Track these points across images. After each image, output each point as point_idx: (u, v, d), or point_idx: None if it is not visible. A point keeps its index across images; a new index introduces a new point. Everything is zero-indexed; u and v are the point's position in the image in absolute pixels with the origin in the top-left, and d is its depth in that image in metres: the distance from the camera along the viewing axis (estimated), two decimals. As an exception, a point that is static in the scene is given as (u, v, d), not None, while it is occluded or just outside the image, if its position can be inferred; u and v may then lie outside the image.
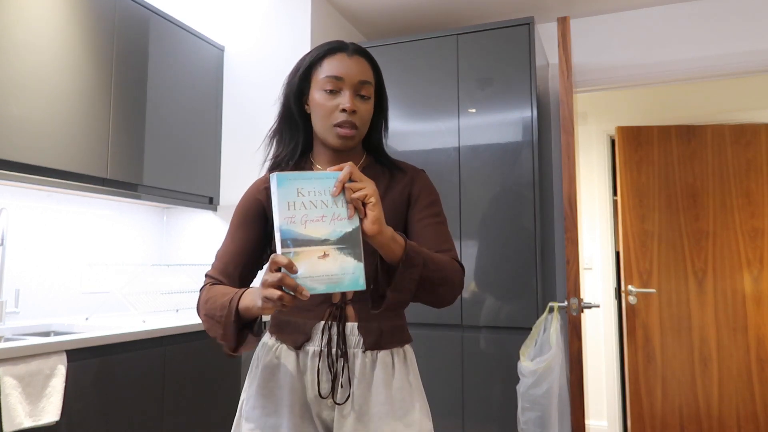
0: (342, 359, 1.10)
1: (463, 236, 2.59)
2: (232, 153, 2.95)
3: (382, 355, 1.13)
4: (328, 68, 1.15)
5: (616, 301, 3.96)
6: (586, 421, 2.55)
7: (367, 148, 1.28)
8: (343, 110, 1.13)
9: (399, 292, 0.99)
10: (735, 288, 3.47)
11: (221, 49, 3.01)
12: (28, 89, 2.02)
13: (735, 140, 3.58)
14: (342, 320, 1.12)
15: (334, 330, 1.12)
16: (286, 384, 1.12)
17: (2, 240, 2.07)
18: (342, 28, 3.21)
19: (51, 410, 1.66)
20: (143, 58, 2.52)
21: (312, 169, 1.22)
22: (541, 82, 2.90)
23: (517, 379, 2.33)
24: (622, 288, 3.61)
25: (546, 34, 3.16)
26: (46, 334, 2.21)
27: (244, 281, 1.21)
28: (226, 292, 1.08)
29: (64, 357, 1.73)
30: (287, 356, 1.14)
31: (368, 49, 1.23)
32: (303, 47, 2.87)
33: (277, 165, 1.22)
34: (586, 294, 3.95)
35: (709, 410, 3.43)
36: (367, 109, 1.17)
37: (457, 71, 2.70)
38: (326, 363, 1.10)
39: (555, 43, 3.07)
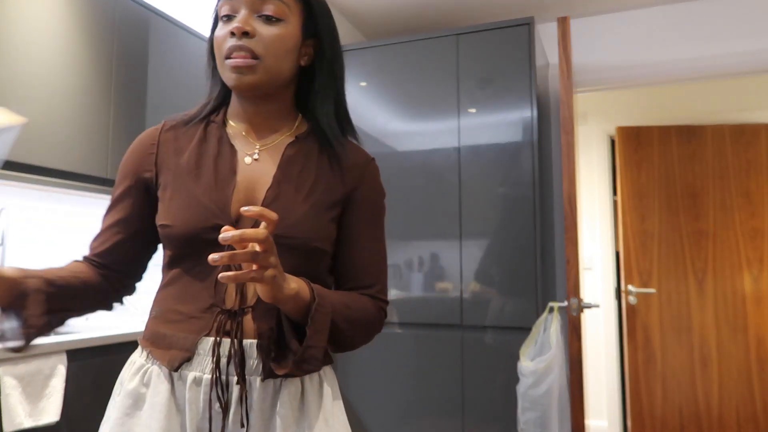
0: (239, 388, 0.81)
1: (463, 236, 2.59)
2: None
3: (288, 383, 0.83)
4: None
5: (616, 301, 3.96)
6: (586, 421, 2.55)
7: (307, 114, 0.95)
8: (232, 33, 0.85)
9: (304, 362, 0.78)
10: (735, 288, 3.47)
11: (221, 49, 3.01)
12: (28, 89, 2.02)
13: (735, 140, 3.58)
14: (238, 335, 0.82)
15: (226, 349, 0.81)
16: (154, 425, 0.80)
17: (2, 240, 2.07)
18: (342, 28, 3.20)
19: (51, 410, 1.66)
20: (143, 58, 2.52)
21: (226, 127, 0.94)
22: (541, 82, 2.90)
23: (517, 379, 2.33)
24: (622, 288, 3.61)
25: (546, 34, 3.16)
26: (46, 334, 2.21)
27: (127, 267, 0.94)
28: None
29: (64, 357, 1.73)
30: (158, 385, 0.82)
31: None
32: (303, 47, 2.87)
33: (184, 122, 0.96)
34: (586, 294, 3.95)
35: (709, 410, 3.43)
36: (275, 33, 0.85)
37: (457, 71, 2.70)
38: (215, 394, 0.80)
39: (555, 43, 3.07)
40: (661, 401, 3.49)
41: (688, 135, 3.64)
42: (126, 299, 0.98)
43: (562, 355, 2.29)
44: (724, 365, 3.44)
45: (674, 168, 3.62)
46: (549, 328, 2.31)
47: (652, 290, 3.54)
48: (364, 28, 3.37)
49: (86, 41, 2.25)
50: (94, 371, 1.84)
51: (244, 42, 0.84)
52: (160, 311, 0.89)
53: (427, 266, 2.64)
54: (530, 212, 2.49)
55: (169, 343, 0.84)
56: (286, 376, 0.81)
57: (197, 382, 0.81)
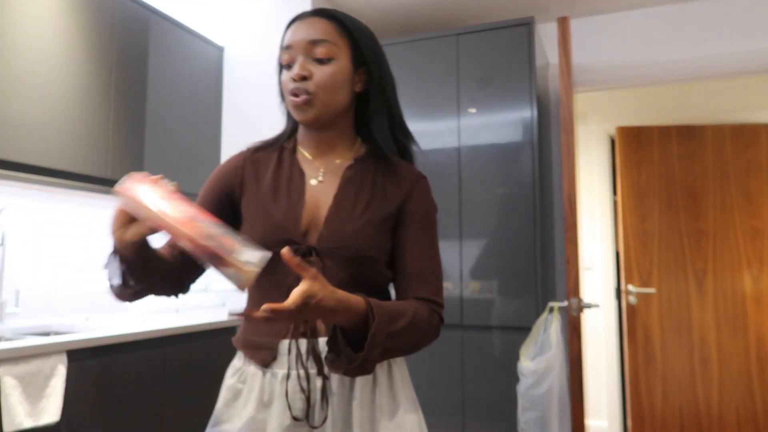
0: (319, 378, 0.96)
1: (463, 236, 2.59)
2: (232, 153, 2.95)
3: None
4: (283, 42, 1.04)
5: (616, 301, 3.96)
6: (586, 421, 2.55)
7: (366, 137, 1.09)
8: (293, 79, 0.99)
9: (359, 368, 0.89)
10: (735, 288, 3.47)
11: (221, 49, 3.01)
12: (28, 89, 2.02)
13: (735, 140, 3.58)
14: (313, 335, 0.97)
15: (304, 348, 0.97)
16: (246, 414, 0.98)
17: (2, 240, 2.08)
18: (342, 28, 3.21)
19: (51, 410, 1.66)
20: (143, 58, 2.52)
21: (296, 152, 1.09)
22: (541, 82, 2.90)
23: (517, 379, 2.33)
24: (622, 288, 3.61)
25: (546, 34, 3.16)
26: (46, 334, 2.21)
27: (192, 269, 1.04)
28: None
29: (64, 357, 1.73)
30: (253, 382, 0.99)
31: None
32: (303, 47, 2.87)
33: (264, 148, 1.12)
34: (586, 294, 3.95)
35: (709, 410, 3.43)
36: (327, 72, 0.99)
37: (457, 71, 2.70)
38: (299, 385, 0.96)
39: (555, 43, 3.06)
40: (661, 401, 3.49)
41: (688, 135, 3.64)
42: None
43: (562, 355, 2.29)
44: (724, 365, 3.44)
45: (674, 168, 3.62)
46: (549, 328, 2.31)
47: (652, 290, 3.54)
48: (364, 28, 3.37)
49: (86, 41, 2.25)
50: (94, 371, 1.84)
51: (302, 84, 0.98)
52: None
53: (427, 266, 2.64)
54: (530, 212, 2.49)
55: (257, 344, 1.00)
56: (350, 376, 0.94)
57: (284, 377, 0.96)
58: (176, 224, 0.78)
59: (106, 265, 0.95)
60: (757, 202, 3.51)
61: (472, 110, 2.65)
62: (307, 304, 0.79)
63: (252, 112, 2.94)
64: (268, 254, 0.81)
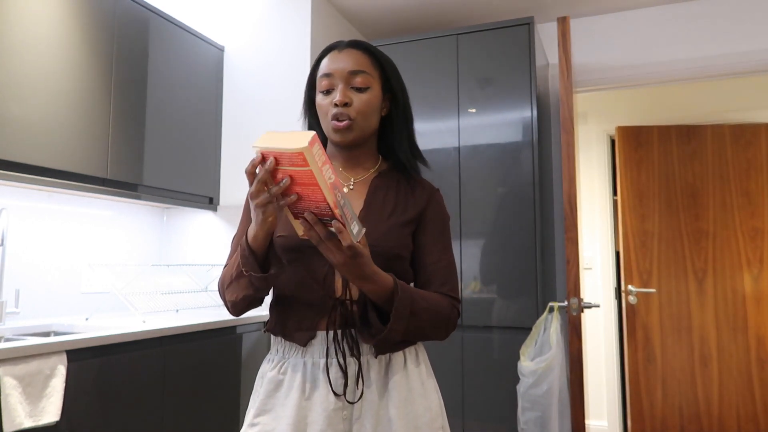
0: (354, 362, 1.06)
1: (463, 236, 2.59)
2: (232, 153, 2.95)
3: (395, 356, 1.11)
4: (321, 69, 1.16)
5: (616, 301, 3.96)
6: (586, 421, 2.55)
7: (386, 155, 1.23)
8: (336, 104, 1.11)
9: (385, 341, 1.04)
10: (735, 288, 3.47)
11: (221, 49, 3.01)
12: (28, 89, 2.02)
13: (735, 140, 3.58)
14: (348, 325, 1.07)
15: (341, 338, 1.08)
16: (291, 403, 1.06)
17: (2, 240, 2.07)
18: (342, 28, 3.21)
19: (51, 410, 1.66)
20: (143, 58, 2.52)
21: None
22: (541, 82, 2.90)
23: (517, 379, 2.33)
24: (622, 288, 3.61)
25: (546, 34, 3.16)
26: (46, 334, 2.21)
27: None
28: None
29: (64, 357, 1.73)
30: (294, 373, 1.09)
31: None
32: (303, 47, 2.87)
33: None
34: (586, 294, 3.95)
35: (709, 410, 3.43)
36: (364, 99, 1.12)
37: (457, 71, 2.70)
38: (338, 368, 1.06)
39: (555, 43, 3.06)
40: (661, 401, 3.49)
41: (688, 135, 3.64)
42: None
43: (562, 355, 2.29)
44: (724, 365, 3.44)
45: (674, 168, 3.62)
46: (549, 328, 2.31)
47: (652, 290, 3.54)
48: (364, 28, 3.37)
49: (86, 41, 2.25)
50: (94, 371, 1.84)
51: (344, 110, 1.11)
52: (282, 303, 1.13)
53: (427, 266, 2.64)
54: (530, 212, 2.49)
55: (296, 323, 1.10)
56: (391, 350, 1.08)
57: (325, 366, 1.06)
58: (329, 188, 0.82)
59: (244, 261, 1.02)
60: (757, 202, 3.51)
61: (472, 110, 2.66)
62: (359, 255, 0.92)
63: (252, 112, 2.94)
64: (363, 230, 0.94)
